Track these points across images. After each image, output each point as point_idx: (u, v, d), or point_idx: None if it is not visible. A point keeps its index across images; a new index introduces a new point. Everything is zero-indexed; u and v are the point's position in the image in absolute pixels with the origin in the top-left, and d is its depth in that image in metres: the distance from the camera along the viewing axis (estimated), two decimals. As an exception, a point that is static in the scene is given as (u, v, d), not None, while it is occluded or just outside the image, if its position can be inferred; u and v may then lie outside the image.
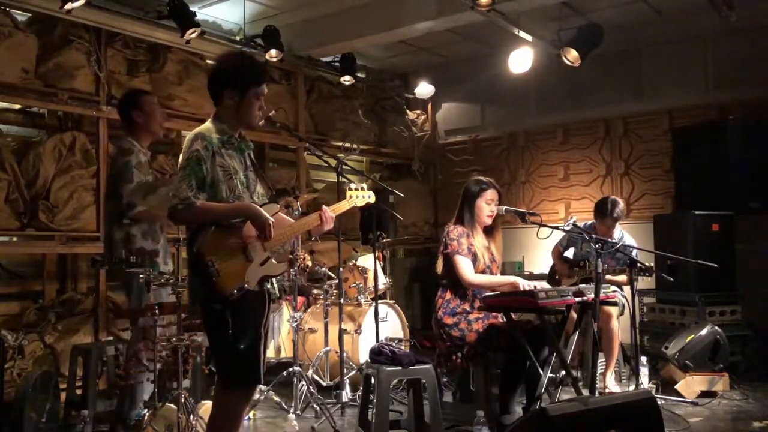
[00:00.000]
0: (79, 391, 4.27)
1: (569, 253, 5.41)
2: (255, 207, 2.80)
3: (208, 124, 2.89)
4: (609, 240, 4.91)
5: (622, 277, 4.87)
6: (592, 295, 3.63)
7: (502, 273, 4.37)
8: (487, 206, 4.08)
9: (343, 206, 3.30)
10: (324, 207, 3.12)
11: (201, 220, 2.74)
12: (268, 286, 2.89)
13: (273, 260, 2.85)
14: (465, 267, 3.94)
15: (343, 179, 4.38)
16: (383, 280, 5.71)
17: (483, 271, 4.03)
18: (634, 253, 4.68)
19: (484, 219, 4.09)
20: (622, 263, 4.81)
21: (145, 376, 3.79)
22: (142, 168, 3.89)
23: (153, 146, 4.25)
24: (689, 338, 4.99)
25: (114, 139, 5.05)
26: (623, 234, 5.22)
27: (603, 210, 5.10)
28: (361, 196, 3.38)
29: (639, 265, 4.26)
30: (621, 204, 5.14)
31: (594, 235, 4.82)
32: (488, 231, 4.17)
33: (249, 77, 2.88)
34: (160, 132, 4.15)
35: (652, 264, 4.24)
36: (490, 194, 4.09)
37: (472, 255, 3.99)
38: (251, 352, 2.78)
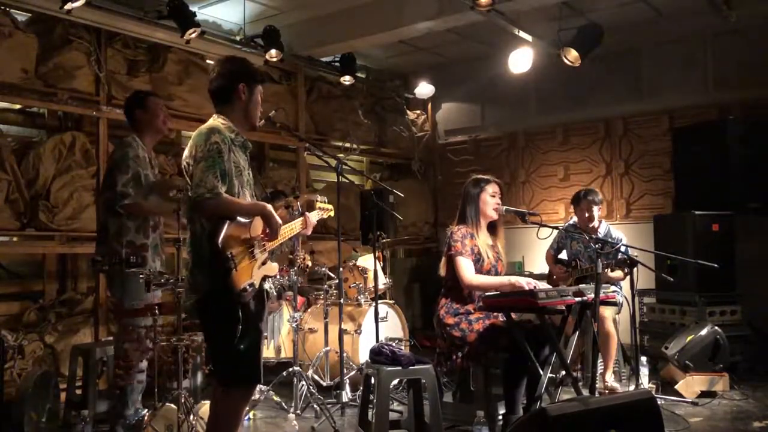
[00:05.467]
0: (79, 391, 4.27)
1: (563, 256, 5.42)
2: (270, 207, 2.86)
3: (216, 122, 2.90)
4: (609, 240, 4.93)
5: (618, 273, 4.88)
6: (592, 295, 3.63)
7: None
8: (492, 199, 4.08)
9: (313, 217, 3.49)
10: (307, 213, 3.34)
11: (223, 212, 2.72)
12: (267, 285, 2.92)
13: (270, 261, 2.92)
14: (466, 269, 3.93)
15: (344, 179, 4.40)
16: (383, 280, 5.71)
17: (489, 270, 4.01)
18: (622, 247, 4.74)
19: (490, 213, 4.08)
20: (611, 258, 4.82)
21: (135, 377, 3.79)
22: (140, 162, 3.88)
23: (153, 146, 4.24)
24: (689, 338, 4.99)
25: (115, 138, 5.06)
26: (609, 228, 5.25)
27: (576, 197, 5.29)
28: (326, 207, 3.62)
29: (624, 257, 4.31)
30: (597, 192, 5.29)
31: (581, 232, 4.86)
32: (492, 230, 4.17)
33: (256, 75, 3.02)
34: (164, 129, 4.15)
35: (637, 255, 4.23)
36: (493, 188, 4.11)
37: (476, 256, 3.98)
38: (252, 352, 2.80)
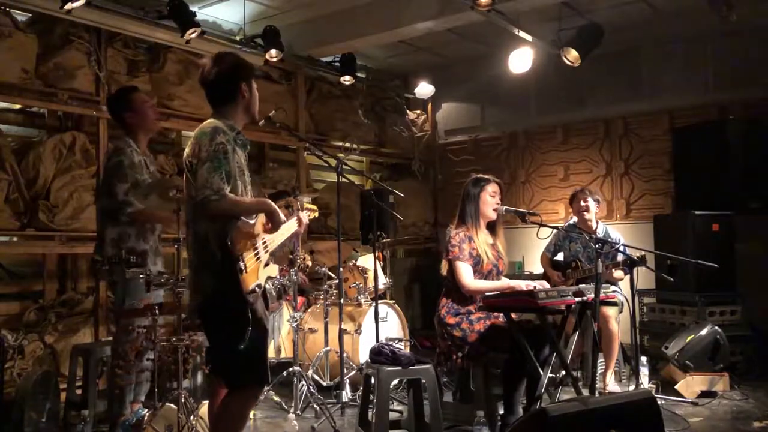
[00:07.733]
0: (79, 391, 4.28)
1: (559, 257, 5.40)
2: (273, 204, 2.87)
3: (216, 121, 2.84)
4: (608, 240, 4.93)
5: (620, 273, 4.89)
6: (592, 295, 3.63)
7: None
8: (491, 199, 4.09)
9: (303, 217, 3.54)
10: (300, 213, 3.33)
11: (230, 213, 2.72)
12: (267, 286, 2.93)
13: (271, 262, 2.93)
14: (464, 273, 3.94)
15: (344, 179, 4.40)
16: (383, 280, 5.71)
17: (490, 270, 4.02)
18: (622, 247, 4.78)
19: (489, 213, 4.08)
20: (611, 258, 4.82)
21: (135, 377, 3.79)
22: (135, 168, 3.84)
23: (152, 146, 4.23)
24: (689, 338, 4.99)
25: (113, 139, 5.05)
26: (607, 228, 5.25)
27: (571, 197, 5.33)
28: (311, 208, 3.72)
29: (626, 257, 4.33)
30: (593, 190, 5.36)
31: (581, 232, 4.89)
32: (491, 229, 4.17)
33: (252, 70, 3.03)
34: (155, 128, 4.13)
35: (644, 255, 4.23)
36: (493, 187, 4.12)
37: (475, 259, 3.98)
38: (261, 352, 2.81)
